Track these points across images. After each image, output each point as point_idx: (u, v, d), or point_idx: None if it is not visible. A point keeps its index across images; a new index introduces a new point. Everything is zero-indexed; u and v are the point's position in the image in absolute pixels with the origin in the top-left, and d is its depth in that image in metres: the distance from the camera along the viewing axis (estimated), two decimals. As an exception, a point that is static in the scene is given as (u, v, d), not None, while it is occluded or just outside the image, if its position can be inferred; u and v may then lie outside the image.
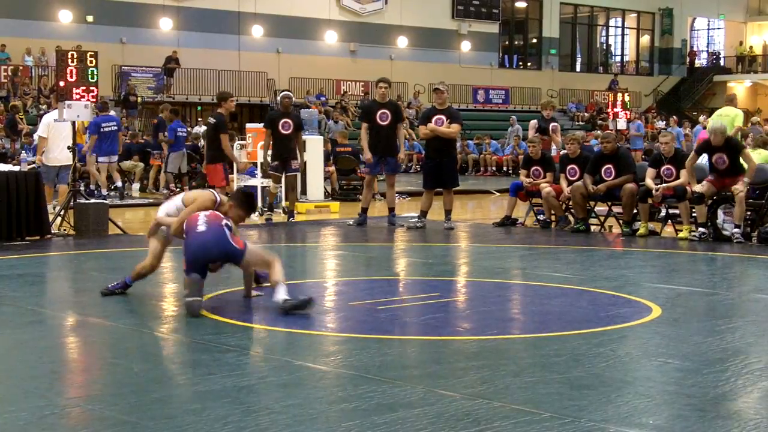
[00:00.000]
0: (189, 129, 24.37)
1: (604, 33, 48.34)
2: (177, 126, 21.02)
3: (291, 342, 6.63)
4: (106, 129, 18.62)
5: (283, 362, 5.94)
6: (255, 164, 17.21)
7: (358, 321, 7.40)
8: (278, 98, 16.36)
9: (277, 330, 7.04)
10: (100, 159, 18.72)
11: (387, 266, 11.06)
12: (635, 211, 13.32)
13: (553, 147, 15.28)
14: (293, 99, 15.53)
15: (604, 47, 48.56)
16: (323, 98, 33.98)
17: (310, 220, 14.25)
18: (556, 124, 15.64)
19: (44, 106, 26.55)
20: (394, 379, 5.53)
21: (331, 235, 13.43)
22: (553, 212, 14.27)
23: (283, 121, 14.55)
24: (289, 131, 14.56)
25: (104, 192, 18.64)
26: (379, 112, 14.18)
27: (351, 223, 14.46)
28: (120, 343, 6.72)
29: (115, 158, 19.17)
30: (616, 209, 13.89)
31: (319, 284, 9.55)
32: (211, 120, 13.92)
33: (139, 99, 30.71)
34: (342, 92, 36.37)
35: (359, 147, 17.20)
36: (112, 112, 20.98)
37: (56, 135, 14.75)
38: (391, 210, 14.59)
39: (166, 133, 20.85)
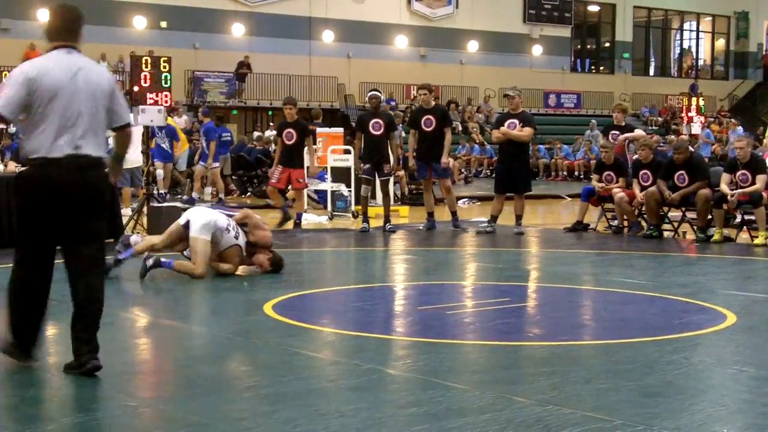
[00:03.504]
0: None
1: (678, 37, 47.68)
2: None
3: (360, 345, 6.63)
4: (225, 138, 19.99)
5: (351, 365, 5.94)
6: (325, 168, 17.39)
7: (426, 325, 7.39)
8: (366, 98, 16.05)
9: (345, 333, 7.05)
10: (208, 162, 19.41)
11: (456, 271, 11.01)
12: (710, 217, 13.11)
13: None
14: (381, 97, 15.01)
15: (678, 51, 47.85)
16: (393, 103, 34.00)
17: (379, 225, 14.22)
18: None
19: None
20: (463, 383, 5.51)
21: (400, 240, 13.42)
22: (625, 218, 14.12)
23: (373, 121, 14.06)
24: (380, 132, 14.03)
25: (196, 195, 19.16)
26: (424, 118, 14.23)
27: (421, 227, 14.44)
28: (190, 345, 6.80)
29: (217, 165, 19.68)
30: (690, 215, 13.70)
31: (389, 288, 9.55)
32: None
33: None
34: (412, 97, 36.37)
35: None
36: (227, 125, 22.40)
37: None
38: (453, 214, 14.53)
39: None
